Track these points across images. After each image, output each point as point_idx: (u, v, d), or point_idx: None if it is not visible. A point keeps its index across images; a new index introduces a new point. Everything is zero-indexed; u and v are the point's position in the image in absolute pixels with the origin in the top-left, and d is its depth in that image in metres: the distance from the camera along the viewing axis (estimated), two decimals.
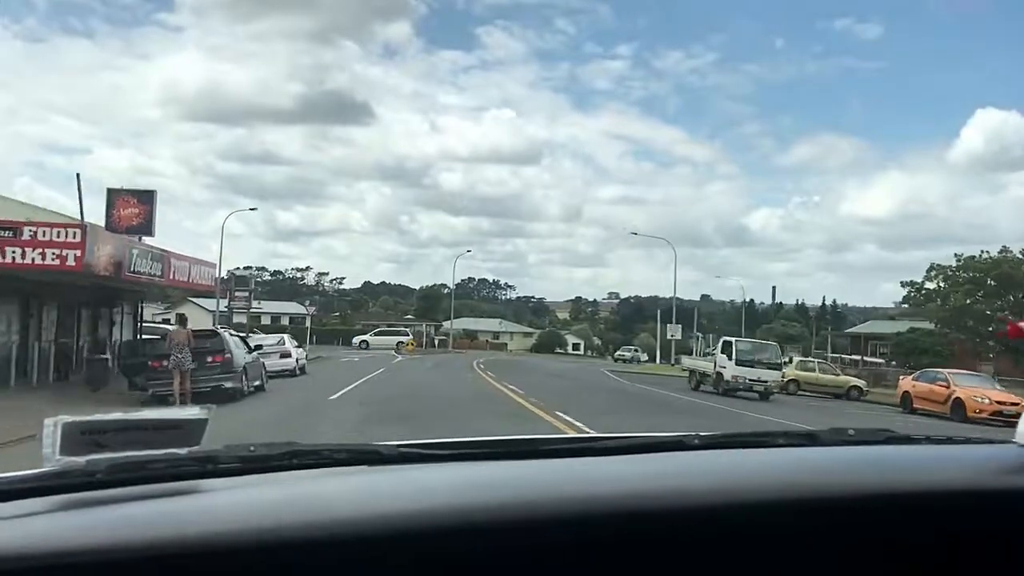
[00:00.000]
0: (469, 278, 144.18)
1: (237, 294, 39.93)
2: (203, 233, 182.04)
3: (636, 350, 79.87)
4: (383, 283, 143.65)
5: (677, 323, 59.90)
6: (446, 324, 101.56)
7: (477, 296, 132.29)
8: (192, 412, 1.19)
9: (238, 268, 40.65)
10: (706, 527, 1.06)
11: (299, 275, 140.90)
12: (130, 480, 1.07)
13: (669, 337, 59.14)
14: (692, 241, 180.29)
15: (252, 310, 40.84)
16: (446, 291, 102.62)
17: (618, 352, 77.86)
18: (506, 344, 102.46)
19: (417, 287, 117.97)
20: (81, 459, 1.06)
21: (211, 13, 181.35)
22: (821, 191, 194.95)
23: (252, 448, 1.28)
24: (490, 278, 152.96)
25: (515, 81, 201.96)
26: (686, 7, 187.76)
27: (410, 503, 1.02)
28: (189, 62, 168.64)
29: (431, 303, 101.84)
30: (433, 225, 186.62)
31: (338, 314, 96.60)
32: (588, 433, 3.25)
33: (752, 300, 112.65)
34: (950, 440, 1.52)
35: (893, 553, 1.10)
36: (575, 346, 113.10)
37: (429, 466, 1.27)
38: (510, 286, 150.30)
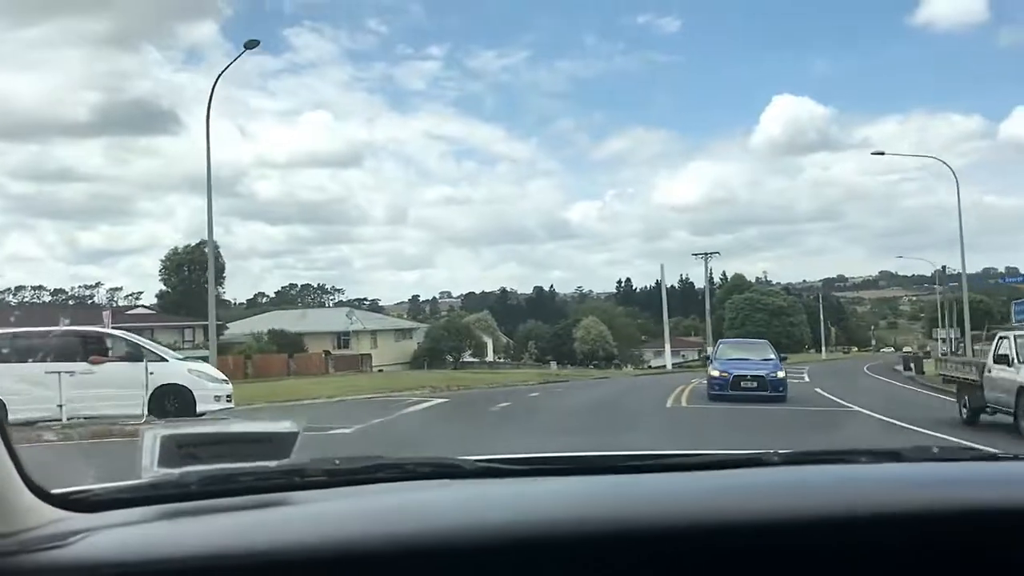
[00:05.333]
0: (290, 284, 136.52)
1: None
2: None
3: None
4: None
5: None
6: (232, 327, 50.80)
7: (300, 303, 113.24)
8: (283, 426, 1.25)
9: None
10: (784, 545, 1.05)
11: (88, 292, 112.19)
12: (221, 492, 1.14)
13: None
14: (517, 237, 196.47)
15: None
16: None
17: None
18: (369, 357, 51.78)
19: (236, 300, 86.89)
20: (176, 471, 1.15)
21: None
22: (635, 183, 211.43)
23: (337, 462, 1.35)
24: (315, 284, 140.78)
25: (328, 83, 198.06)
26: (495, 6, 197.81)
27: (487, 516, 1.07)
28: None
29: (186, 287, 48.91)
30: (250, 235, 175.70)
31: None
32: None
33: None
34: None
35: (975, 571, 1.08)
36: (476, 349, 65.13)
37: (508, 480, 1.31)
38: (338, 290, 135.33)
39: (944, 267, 56.07)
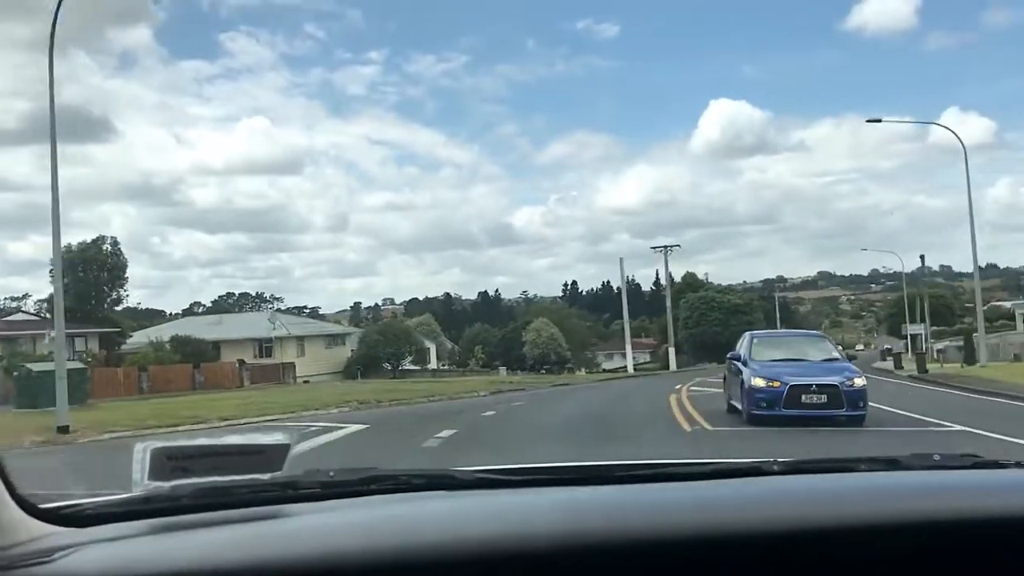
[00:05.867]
0: (228, 294, 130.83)
1: None
2: None
3: None
4: (129, 308, 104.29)
5: None
6: (135, 336, 44.62)
7: (239, 311, 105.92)
8: (274, 438, 1.23)
9: None
10: (783, 555, 1.03)
11: (15, 305, 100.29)
12: (213, 505, 1.14)
13: None
14: (461, 243, 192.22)
15: None
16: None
17: None
18: (292, 366, 46.05)
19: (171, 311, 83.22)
20: (167, 484, 1.13)
21: None
22: (578, 187, 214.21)
23: (332, 474, 1.33)
24: (253, 292, 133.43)
25: (265, 89, 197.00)
26: (433, 11, 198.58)
27: (483, 529, 1.06)
28: None
29: (80, 289, 42.07)
30: (187, 244, 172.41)
31: None
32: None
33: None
34: None
35: None
36: (418, 356, 59.74)
37: (504, 491, 1.30)
38: (278, 298, 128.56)
39: (922, 256, 52.47)
